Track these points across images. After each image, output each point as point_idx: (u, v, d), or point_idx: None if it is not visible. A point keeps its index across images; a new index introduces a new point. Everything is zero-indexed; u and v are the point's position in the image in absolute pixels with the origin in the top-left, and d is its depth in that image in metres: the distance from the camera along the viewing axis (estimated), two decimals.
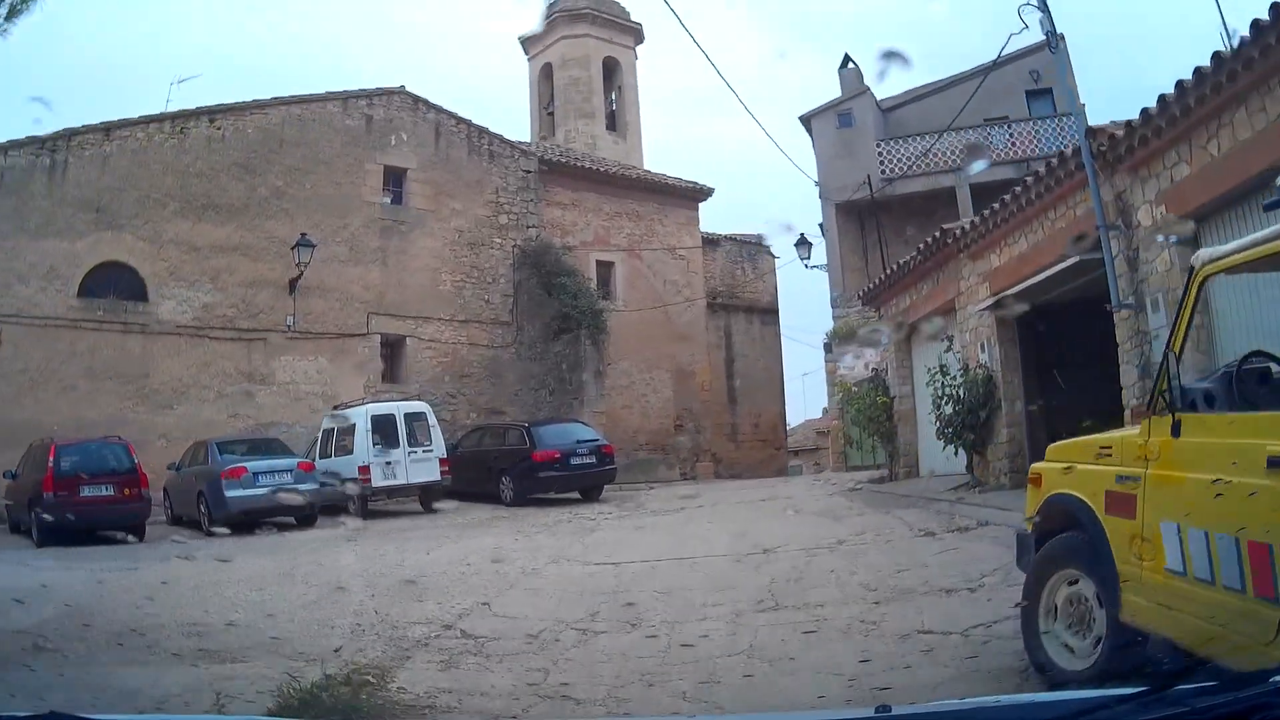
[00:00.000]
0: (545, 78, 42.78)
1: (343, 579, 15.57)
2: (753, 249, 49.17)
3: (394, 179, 36.90)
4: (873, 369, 32.91)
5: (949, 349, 24.88)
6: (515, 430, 32.19)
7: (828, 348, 42.10)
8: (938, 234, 25.80)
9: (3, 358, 30.87)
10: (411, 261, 36.73)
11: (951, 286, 25.59)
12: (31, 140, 31.17)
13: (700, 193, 44.23)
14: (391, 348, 36.85)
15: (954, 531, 17.11)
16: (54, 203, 31.43)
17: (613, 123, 45.05)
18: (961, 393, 23.58)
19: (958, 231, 24.53)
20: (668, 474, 41.46)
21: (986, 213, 22.60)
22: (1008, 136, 39.75)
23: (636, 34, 47.28)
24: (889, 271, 30.09)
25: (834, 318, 40.65)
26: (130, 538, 23.76)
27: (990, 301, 22.88)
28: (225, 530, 24.64)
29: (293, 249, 33.55)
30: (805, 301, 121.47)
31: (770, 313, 49.51)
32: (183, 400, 32.77)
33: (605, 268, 41.36)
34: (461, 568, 16.27)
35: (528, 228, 38.92)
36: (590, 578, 14.71)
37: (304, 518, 26.78)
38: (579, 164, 41.91)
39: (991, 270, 23.10)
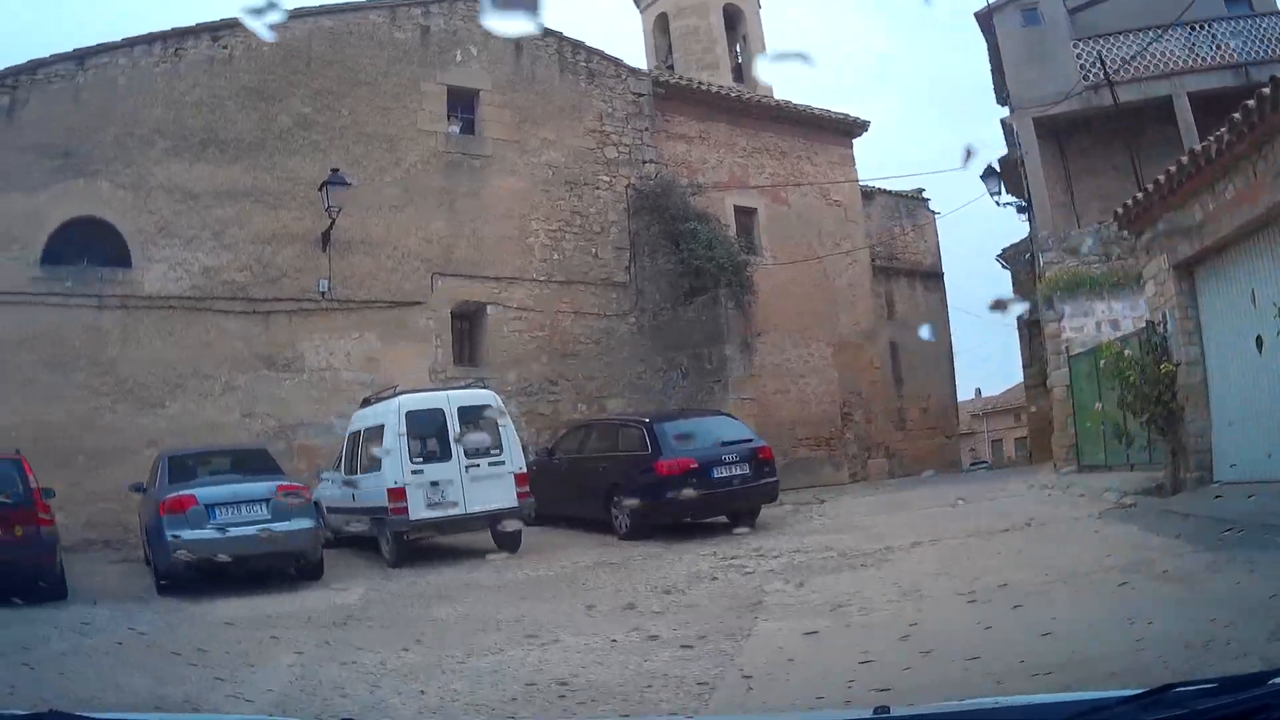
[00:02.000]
0: (660, 29, 27.21)
1: None
2: (910, 203, 30.79)
3: (461, 103, 21.22)
4: (1146, 321, 15.54)
5: None
6: (632, 429, 16.43)
7: (1001, 306, 23.87)
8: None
9: None
10: (490, 206, 21.24)
11: None
12: None
13: (854, 126, 26.33)
14: (467, 320, 21.38)
15: None
16: (10, 150, 18.17)
17: (740, 75, 27.16)
18: None
19: None
20: (834, 475, 24.02)
21: None
22: (1238, 31, 21.79)
23: None
24: (1170, 172, 12.99)
25: (1042, 263, 21.89)
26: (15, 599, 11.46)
27: None
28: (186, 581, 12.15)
29: (320, 189, 19.34)
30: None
31: (933, 277, 31.46)
32: (177, 395, 18.82)
33: (745, 215, 24.18)
34: None
35: (643, 163, 22.44)
36: None
37: (305, 568, 13.02)
38: (706, 88, 24.25)
39: None
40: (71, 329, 18.05)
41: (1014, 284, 29.51)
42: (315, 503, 14.37)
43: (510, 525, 14.14)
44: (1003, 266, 29.91)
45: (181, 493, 12.54)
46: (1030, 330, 27.45)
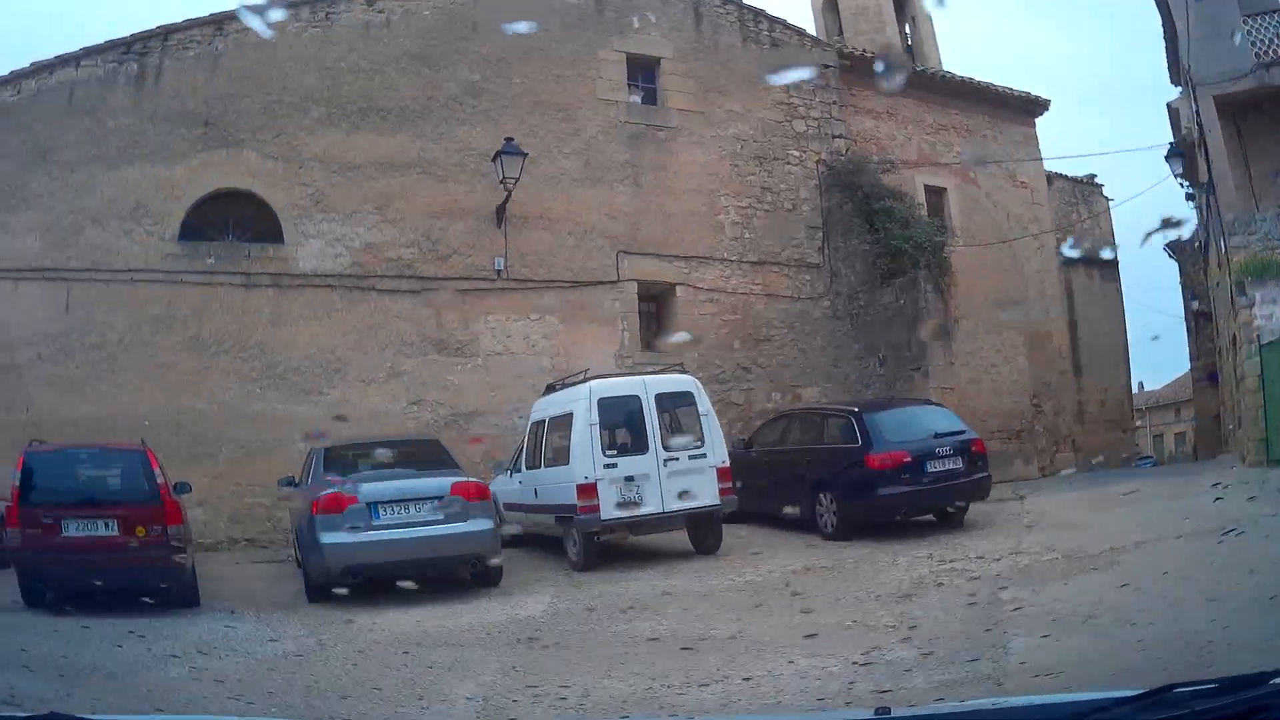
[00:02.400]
0: (830, 8, 22.96)
1: None
2: (1085, 189, 26.04)
3: (641, 72, 16.76)
4: None
5: None
6: (839, 419, 13.04)
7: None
8: None
9: (68, 329, 13.80)
10: (676, 181, 16.57)
11: None
12: (111, 45, 14.33)
13: (1035, 105, 21.84)
14: (655, 301, 16.68)
15: None
16: (142, 119, 14.32)
17: (911, 58, 22.29)
18: None
19: None
20: (1023, 469, 19.20)
21: None
22: None
23: None
24: None
25: (1228, 247, 17.52)
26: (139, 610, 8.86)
27: None
28: (343, 590, 9.43)
29: (494, 159, 14.62)
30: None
31: (1108, 265, 26.41)
32: (335, 382, 14.29)
33: (935, 194, 19.75)
34: None
35: (833, 137, 17.89)
36: None
37: (482, 574, 10.33)
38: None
39: None
40: (215, 309, 13.98)
41: (1181, 274, 25.57)
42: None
43: (707, 525, 11.36)
44: (1170, 256, 25.90)
45: (339, 489, 9.53)
46: (1198, 322, 23.76)
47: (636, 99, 16.67)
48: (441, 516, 9.68)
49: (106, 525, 9.13)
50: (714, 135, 16.95)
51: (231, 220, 15.00)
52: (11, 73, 14.93)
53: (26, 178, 14.70)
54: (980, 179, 19.98)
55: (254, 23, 14.30)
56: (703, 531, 11.52)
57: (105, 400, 14.14)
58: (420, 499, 9.75)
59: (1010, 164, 20.04)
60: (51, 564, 9.03)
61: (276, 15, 14.48)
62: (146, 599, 8.84)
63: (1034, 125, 21.69)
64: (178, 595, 9.35)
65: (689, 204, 16.57)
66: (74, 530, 9.10)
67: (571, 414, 11.23)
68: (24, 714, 2.47)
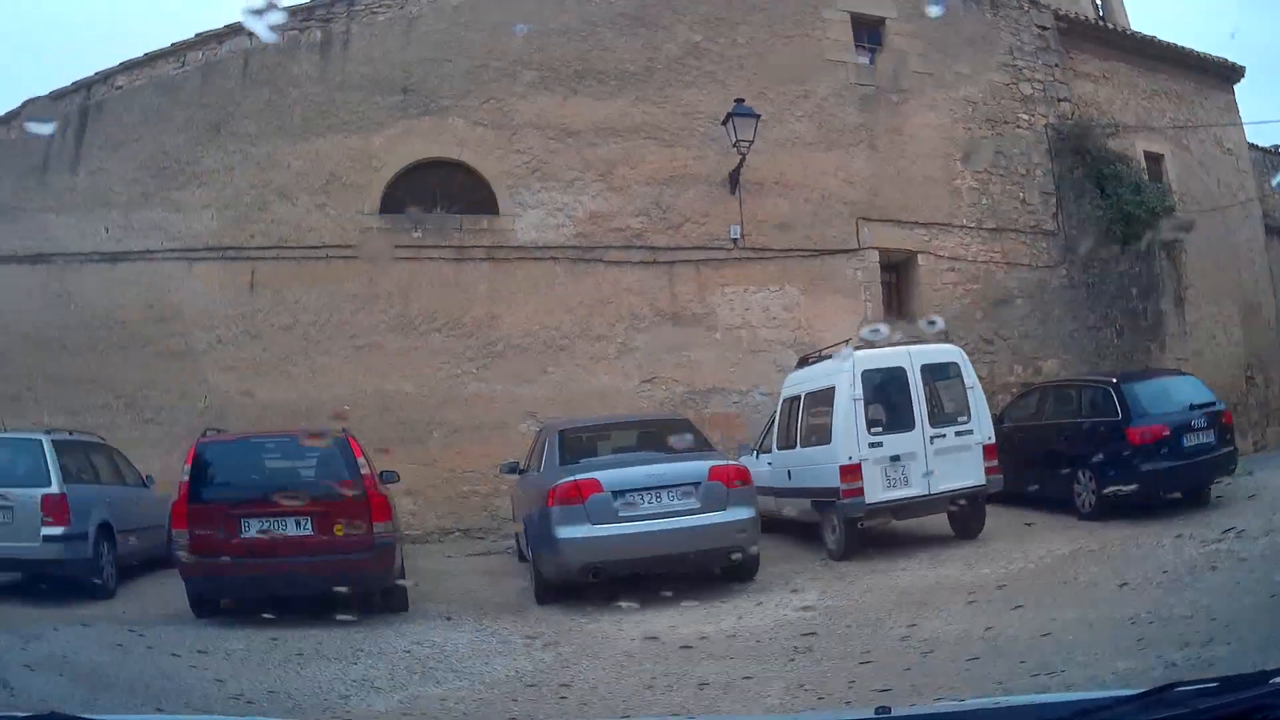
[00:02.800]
0: None
1: None
2: (1275, 159, 21.78)
3: (867, 32, 13.56)
4: None
5: None
6: (1096, 390, 10.51)
7: None
8: None
9: (253, 310, 11.49)
10: (910, 145, 13.28)
11: None
12: (292, 10, 11.86)
13: (1233, 71, 18.85)
14: (894, 271, 13.44)
15: None
16: (330, 88, 11.86)
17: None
18: None
19: None
20: (1238, 442, 15.15)
21: None
22: None
23: None
24: None
25: None
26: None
27: None
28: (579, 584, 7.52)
29: (724, 123, 11.45)
30: None
31: None
32: (561, 360, 11.30)
33: (1154, 161, 16.63)
34: None
35: (1058, 100, 14.93)
36: None
37: (735, 567, 7.89)
38: (1108, 25, 17.58)
39: None
40: (424, 285, 11.37)
41: None
42: None
43: (971, 508, 9.22)
44: None
45: (579, 476, 7.45)
46: None
47: (864, 60, 13.42)
48: (697, 505, 7.44)
49: (298, 523, 7.03)
50: (945, 98, 13.62)
51: (439, 191, 12.48)
52: (173, 45, 12.65)
53: (199, 153, 11.89)
54: (1192, 145, 17.25)
55: None
56: (966, 515, 9.11)
57: (299, 385, 11.29)
58: (673, 485, 7.51)
59: (1217, 129, 17.19)
60: (228, 570, 6.97)
61: None
62: (345, 606, 6.73)
63: (1233, 92, 17.63)
64: (386, 601, 7.29)
65: (925, 169, 13.23)
66: (256, 530, 7.02)
67: (833, 388, 8.86)
68: (24, 714, 2.06)
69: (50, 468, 8.16)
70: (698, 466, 7.70)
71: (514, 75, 11.51)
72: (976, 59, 13.60)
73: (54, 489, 8.08)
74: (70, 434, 9.40)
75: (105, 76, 11.98)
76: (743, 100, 11.50)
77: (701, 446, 8.22)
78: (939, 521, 9.33)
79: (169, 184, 11.65)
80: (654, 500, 7.53)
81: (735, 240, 11.48)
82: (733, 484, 7.74)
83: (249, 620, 6.76)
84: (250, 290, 11.23)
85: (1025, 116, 13.70)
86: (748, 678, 5.07)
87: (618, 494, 7.45)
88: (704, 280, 11.38)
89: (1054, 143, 13.83)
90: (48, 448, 8.28)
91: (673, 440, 8.20)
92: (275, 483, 7.34)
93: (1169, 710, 1.62)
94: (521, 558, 9.10)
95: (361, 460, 7.31)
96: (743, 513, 7.69)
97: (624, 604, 6.83)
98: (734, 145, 11.35)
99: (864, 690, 4.68)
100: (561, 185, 11.19)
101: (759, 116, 11.44)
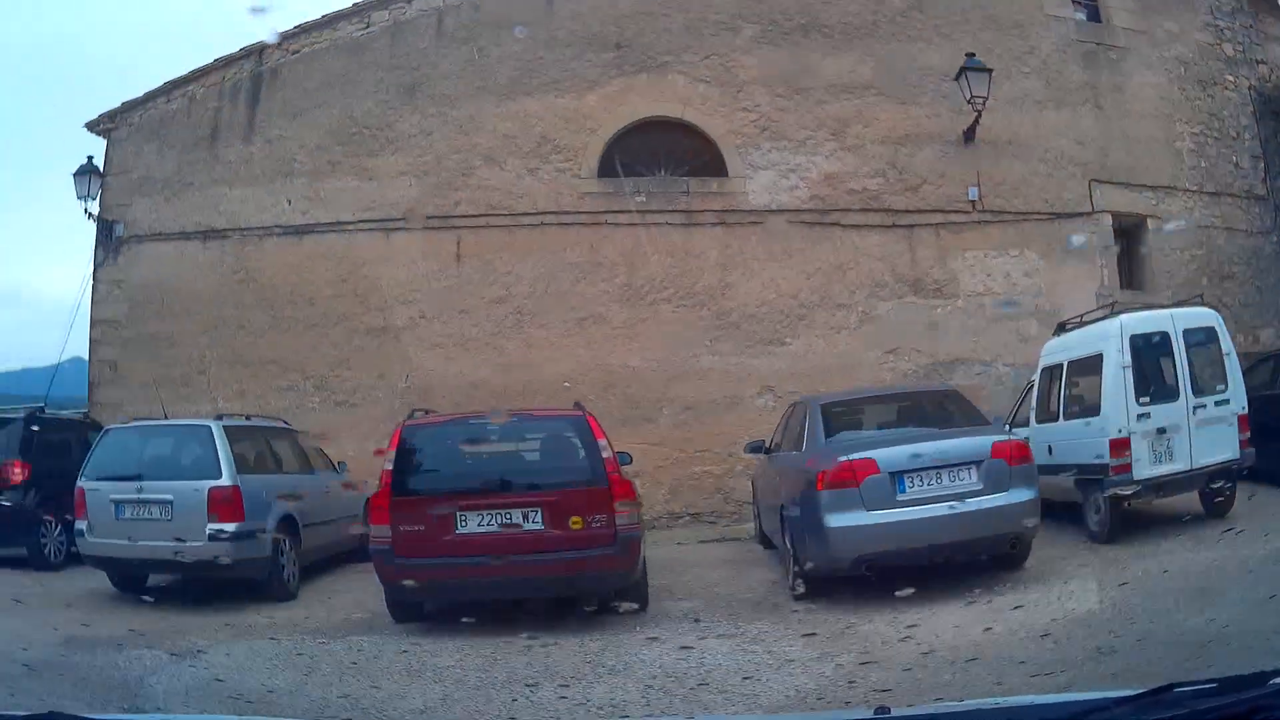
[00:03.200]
0: None
1: None
2: None
3: None
4: None
5: None
6: None
7: None
8: None
9: (460, 282, 10.79)
10: (1133, 104, 12.23)
11: None
12: None
13: None
14: (1125, 235, 12.17)
15: None
16: (536, 45, 11.04)
17: None
18: None
19: None
20: None
21: None
22: None
23: None
24: None
25: None
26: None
27: None
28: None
29: (957, 78, 10.52)
30: None
31: None
32: (799, 331, 10.26)
33: None
34: None
35: (1257, 63, 13.86)
36: None
37: (1006, 555, 6.60)
38: None
39: None
40: (650, 253, 10.52)
41: None
42: None
43: (1227, 484, 8.31)
44: None
45: (854, 456, 6.51)
46: None
47: (1081, 15, 12.63)
48: (980, 486, 6.48)
49: (526, 517, 6.03)
50: (1159, 56, 12.83)
51: (663, 152, 11.78)
52: (355, 5, 11.91)
53: (392, 117, 11.09)
54: None
55: None
56: (1219, 492, 8.22)
57: (512, 362, 10.40)
58: (954, 465, 6.53)
59: None
60: (440, 573, 5.98)
61: None
62: (573, 606, 6.02)
63: None
64: (617, 597, 6.28)
65: (1148, 129, 12.45)
66: (476, 525, 5.98)
67: (1100, 355, 8.03)
68: (24, 714, 2.00)
69: (221, 457, 7.39)
70: (979, 443, 6.71)
71: (735, 29, 10.75)
72: (1184, 17, 12.91)
73: (224, 480, 7.30)
74: (247, 419, 8.73)
75: (280, 41, 11.07)
76: (973, 55, 10.75)
77: (975, 420, 7.37)
78: (1185, 500, 8.43)
79: (360, 150, 10.82)
80: (934, 481, 6.60)
81: (973, 202, 10.65)
82: (1015, 462, 6.75)
83: (457, 628, 5.82)
84: (456, 261, 10.38)
85: (1230, 78, 12.98)
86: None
87: (894, 475, 6.52)
88: (944, 244, 10.60)
89: (1259, 105, 13.10)
90: (218, 435, 7.50)
91: (942, 414, 7.55)
92: (497, 470, 6.38)
93: (1168, 711, 1.60)
94: (764, 545, 8.49)
95: (603, 442, 6.20)
96: (1025, 494, 6.72)
97: (891, 599, 5.93)
98: (968, 101, 10.59)
99: None
100: (793, 145, 10.40)
101: (991, 71, 10.66)
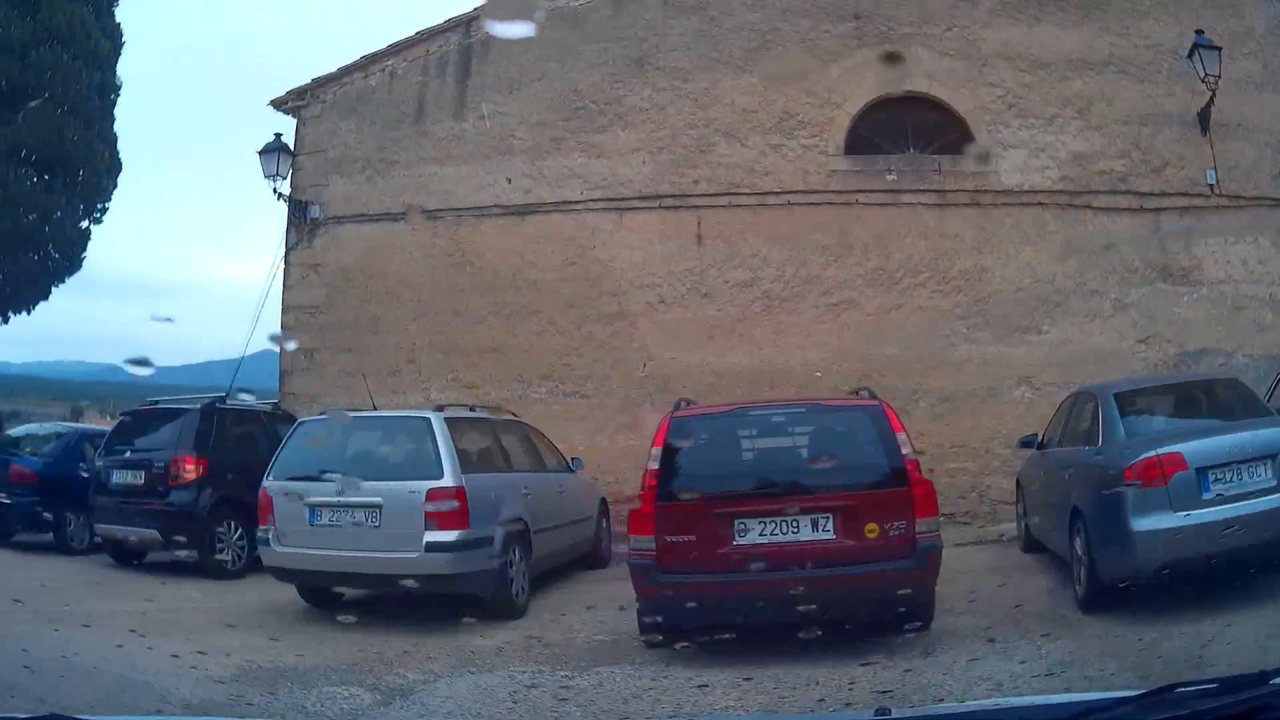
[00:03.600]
0: None
1: None
2: None
3: None
4: None
5: None
6: None
7: None
8: None
9: (702, 264, 10.49)
10: None
11: None
12: None
13: None
14: None
15: None
16: (770, 15, 10.61)
17: None
18: None
19: None
20: None
21: None
22: None
23: None
24: None
25: None
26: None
27: None
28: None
29: (1190, 55, 10.15)
30: None
31: None
32: (1055, 318, 9.86)
33: None
34: None
35: None
36: None
37: None
38: None
39: None
40: (904, 235, 10.17)
41: None
42: None
43: None
44: None
45: (1161, 451, 5.86)
46: None
47: None
48: (1275, 482, 5.83)
49: (815, 525, 5.25)
50: None
51: (910, 129, 11.44)
52: None
53: (620, 91, 10.74)
54: None
55: None
56: None
57: (760, 349, 9.95)
58: (1252, 460, 5.89)
59: None
60: (711, 590, 5.21)
61: None
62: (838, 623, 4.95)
63: None
64: (907, 616, 5.45)
65: None
66: (757, 534, 5.26)
67: None
68: (24, 714, 2.01)
69: (442, 454, 6.44)
70: (1275, 435, 6.03)
71: (973, 1, 10.45)
72: None
73: (446, 481, 6.35)
74: (471, 409, 7.92)
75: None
76: (1201, 31, 10.59)
77: (1260, 411, 6.78)
78: None
79: (586, 126, 10.33)
80: (1234, 478, 5.95)
81: (1211, 186, 10.53)
82: None
83: (719, 653, 5.04)
84: (697, 243, 9.93)
85: None
86: None
87: (1200, 472, 5.86)
88: (1189, 230, 10.44)
89: None
90: (438, 428, 6.55)
91: (1227, 404, 7.04)
92: (782, 469, 5.67)
93: (1169, 711, 1.59)
94: (1028, 549, 8.03)
95: (902, 436, 5.53)
96: None
97: (1183, 608, 5.26)
98: (1202, 80, 10.41)
99: None
100: (1040, 123, 10.16)
101: (1220, 49, 10.54)
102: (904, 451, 5.44)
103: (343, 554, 6.35)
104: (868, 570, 5.14)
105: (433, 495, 6.27)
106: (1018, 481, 8.61)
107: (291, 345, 10.20)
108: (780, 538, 5.22)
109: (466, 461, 6.58)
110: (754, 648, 4.93)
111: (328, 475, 6.47)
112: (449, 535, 6.22)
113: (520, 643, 5.78)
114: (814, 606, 4.81)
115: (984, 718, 1.90)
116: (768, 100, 10.11)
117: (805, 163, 9.96)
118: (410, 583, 5.96)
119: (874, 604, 5.23)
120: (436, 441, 6.48)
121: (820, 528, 5.25)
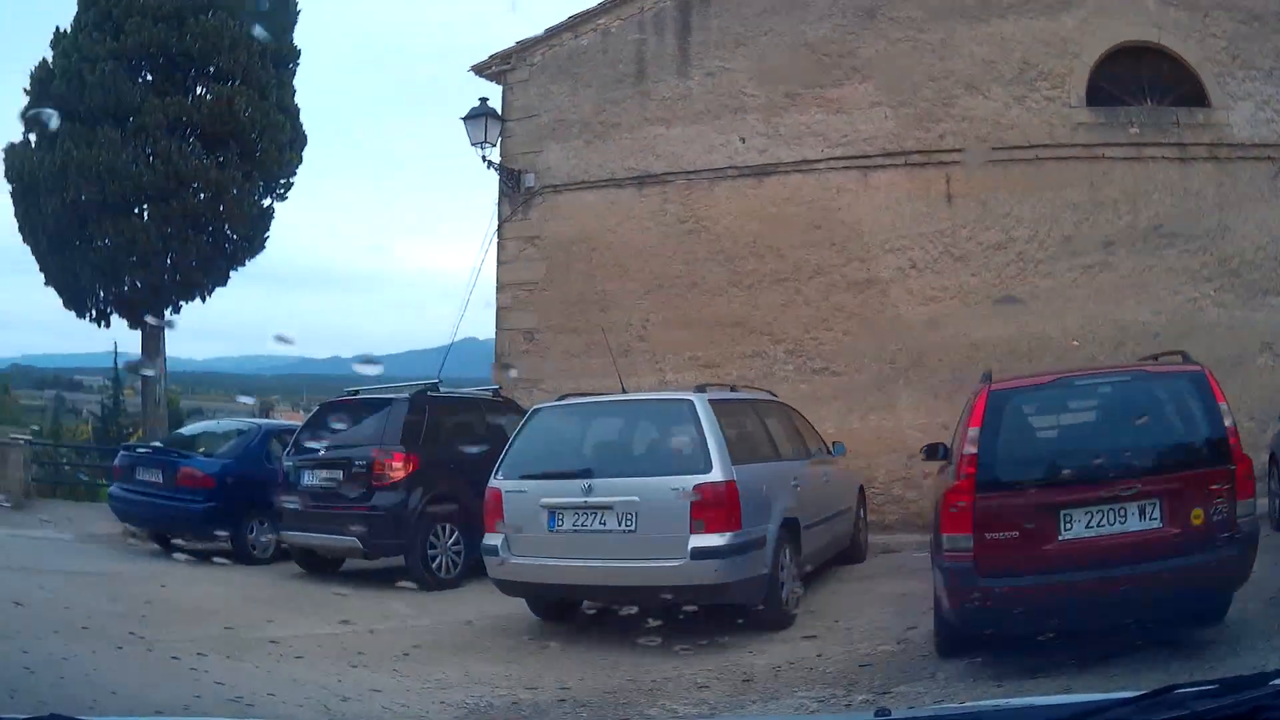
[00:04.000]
0: None
1: None
2: None
3: None
4: None
5: None
6: None
7: None
8: None
9: (957, 225, 10.12)
10: None
11: None
12: None
13: None
14: None
15: None
16: None
17: None
18: None
19: None
20: None
21: None
22: None
23: None
24: None
25: None
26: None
27: None
28: None
29: None
30: None
31: None
32: None
33: None
34: None
35: None
36: None
37: None
38: None
39: None
40: (1150, 191, 9.90)
41: None
42: None
43: None
44: None
45: None
46: None
47: None
48: None
49: (1143, 513, 4.58)
50: None
51: (1145, 80, 11.32)
52: None
53: (853, 43, 10.38)
54: None
55: None
56: None
57: (1016, 316, 9.85)
58: None
59: None
60: (1031, 593, 4.53)
61: None
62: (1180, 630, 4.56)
63: None
64: (1209, 616, 4.88)
65: None
66: (1084, 526, 4.57)
67: None
68: (24, 715, 1.93)
69: (710, 443, 5.59)
70: None
71: None
72: None
73: (716, 475, 5.49)
74: (732, 389, 7.16)
75: None
76: None
77: None
78: None
79: (822, 80, 9.98)
80: None
81: None
82: None
83: (1015, 661, 4.52)
84: (947, 202, 9.76)
85: None
86: None
87: None
88: None
89: None
90: (703, 413, 5.71)
91: None
92: (1104, 449, 4.88)
93: (1168, 712, 1.58)
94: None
95: (1224, 406, 4.83)
96: None
97: None
98: None
99: None
100: (1261, 74, 10.25)
101: None
102: (1227, 423, 4.77)
103: (590, 564, 5.61)
104: (1195, 562, 4.48)
105: (700, 492, 5.46)
106: (1270, 455, 8.04)
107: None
108: (1107, 529, 4.55)
109: (734, 451, 5.74)
110: (1051, 656, 4.35)
111: (571, 472, 5.79)
112: (719, 539, 5.43)
113: (798, 657, 5.07)
114: (1141, 606, 4.46)
115: (984, 717, 1.86)
116: (1006, 50, 9.85)
117: (1049, 116, 9.81)
118: (671, 596, 5.35)
119: (1193, 599, 4.66)
120: (702, 428, 5.64)
121: (1148, 515, 4.57)
